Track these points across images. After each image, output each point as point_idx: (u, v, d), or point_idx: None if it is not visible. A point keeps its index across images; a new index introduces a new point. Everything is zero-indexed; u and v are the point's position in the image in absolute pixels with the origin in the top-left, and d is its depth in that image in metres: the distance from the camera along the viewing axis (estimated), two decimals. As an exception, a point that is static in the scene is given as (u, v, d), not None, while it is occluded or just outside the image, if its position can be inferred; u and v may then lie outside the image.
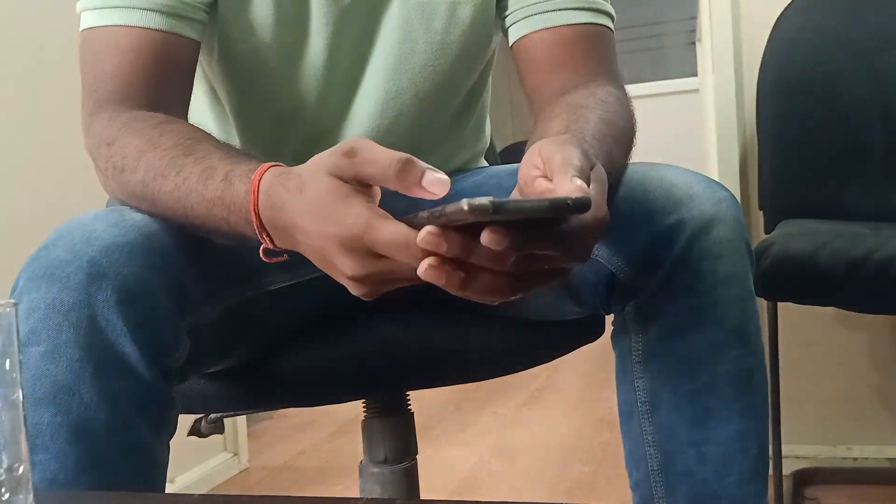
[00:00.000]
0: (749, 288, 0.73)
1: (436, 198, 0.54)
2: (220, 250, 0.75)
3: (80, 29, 0.81)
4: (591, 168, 0.57)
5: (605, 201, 0.56)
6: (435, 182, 0.54)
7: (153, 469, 0.68)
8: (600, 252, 0.75)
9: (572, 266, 0.56)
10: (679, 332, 0.73)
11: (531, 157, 0.59)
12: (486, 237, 0.48)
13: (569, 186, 0.53)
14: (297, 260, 0.63)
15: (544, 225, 0.51)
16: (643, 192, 0.73)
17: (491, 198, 0.46)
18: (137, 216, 0.71)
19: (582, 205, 0.48)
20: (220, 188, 0.65)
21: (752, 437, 0.73)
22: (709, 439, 0.72)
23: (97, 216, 0.69)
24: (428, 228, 0.50)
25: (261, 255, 0.64)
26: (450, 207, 0.47)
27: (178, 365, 0.69)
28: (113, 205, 0.78)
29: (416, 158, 0.55)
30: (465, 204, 0.45)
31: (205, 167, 0.67)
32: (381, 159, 0.55)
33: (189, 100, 0.84)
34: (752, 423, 0.73)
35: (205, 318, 0.73)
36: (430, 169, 0.55)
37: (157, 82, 0.79)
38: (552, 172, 0.56)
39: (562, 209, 0.49)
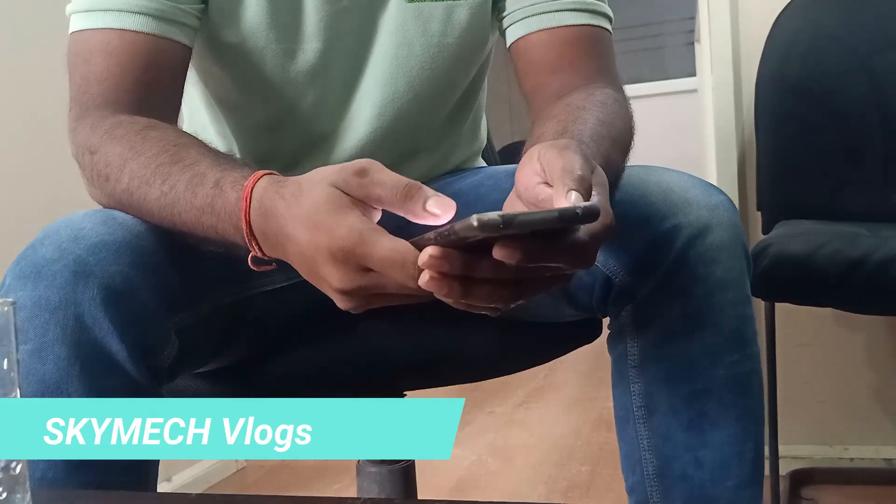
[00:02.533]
0: (746, 292, 0.73)
1: (440, 221, 0.55)
2: (211, 250, 0.75)
3: (70, 31, 0.80)
4: (592, 172, 0.57)
5: (609, 205, 0.56)
6: (439, 204, 0.55)
7: (143, 467, 0.68)
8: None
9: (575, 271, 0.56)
10: (675, 336, 0.72)
11: (530, 162, 0.59)
12: (498, 252, 0.48)
13: (565, 203, 0.53)
14: (287, 265, 0.63)
15: (553, 235, 0.51)
16: (640, 196, 0.73)
17: (500, 213, 0.46)
18: (127, 216, 0.70)
19: (591, 213, 0.48)
20: (210, 195, 0.65)
21: (748, 442, 0.73)
22: (705, 444, 0.72)
23: (86, 215, 0.69)
24: (429, 251, 0.50)
25: (249, 262, 0.64)
26: (459, 224, 0.47)
27: (167, 364, 0.69)
28: None
29: (422, 184, 0.56)
30: (474, 220, 0.45)
31: (193, 174, 0.67)
32: (391, 182, 0.56)
33: (179, 105, 0.83)
34: (748, 428, 0.73)
35: (194, 318, 0.73)
36: (435, 194, 0.55)
37: (147, 86, 0.78)
38: (552, 181, 0.56)
39: (572, 219, 0.49)
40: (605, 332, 0.83)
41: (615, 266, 0.74)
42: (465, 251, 0.51)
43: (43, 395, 0.62)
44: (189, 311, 0.73)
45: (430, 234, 0.51)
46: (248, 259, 0.64)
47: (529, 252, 0.49)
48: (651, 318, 0.74)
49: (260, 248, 0.63)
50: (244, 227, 0.62)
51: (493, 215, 0.45)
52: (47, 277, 0.63)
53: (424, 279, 0.51)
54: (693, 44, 2.94)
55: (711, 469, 0.72)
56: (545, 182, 0.57)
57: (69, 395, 0.62)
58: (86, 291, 0.63)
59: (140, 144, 0.71)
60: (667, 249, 0.71)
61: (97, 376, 0.63)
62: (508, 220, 0.46)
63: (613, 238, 0.56)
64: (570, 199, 0.53)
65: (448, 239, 0.49)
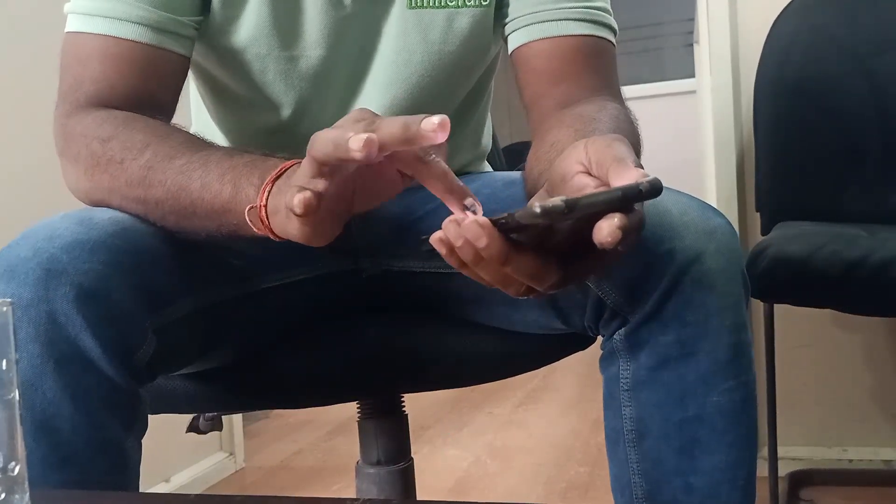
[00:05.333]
0: (742, 319, 0.72)
1: (437, 141, 0.53)
2: (197, 249, 0.75)
3: (67, 30, 0.80)
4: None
5: (640, 210, 0.54)
6: (431, 125, 0.53)
7: (123, 465, 0.67)
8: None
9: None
10: (669, 362, 0.71)
11: (576, 152, 0.57)
12: (607, 231, 0.47)
13: (633, 174, 0.51)
14: (283, 259, 0.62)
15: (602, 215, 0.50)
16: None
17: (563, 197, 0.45)
18: (106, 214, 0.70)
19: (655, 188, 0.47)
20: (252, 156, 0.66)
21: (739, 469, 0.72)
22: (696, 470, 0.71)
23: (64, 216, 0.69)
24: (476, 218, 0.50)
25: (246, 213, 0.64)
26: (519, 212, 0.46)
27: (144, 362, 0.69)
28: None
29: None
30: (537, 207, 0.44)
31: (231, 149, 0.69)
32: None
33: (173, 112, 0.83)
34: (740, 455, 0.72)
35: (174, 317, 0.72)
36: (426, 117, 0.54)
37: (142, 94, 0.78)
38: (606, 166, 0.54)
39: (634, 197, 0.47)
40: (599, 338, 0.83)
41: (608, 288, 0.72)
42: (507, 241, 0.50)
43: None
44: (168, 311, 0.72)
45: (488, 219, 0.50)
46: (246, 210, 0.64)
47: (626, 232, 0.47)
48: (644, 343, 0.72)
49: (267, 201, 0.62)
50: (274, 173, 0.62)
51: (555, 201, 0.44)
52: (20, 275, 0.63)
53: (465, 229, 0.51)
54: (692, 45, 2.94)
55: (702, 495, 0.71)
56: (587, 171, 0.56)
57: (44, 393, 0.62)
58: (58, 289, 0.63)
59: (166, 134, 0.72)
60: (661, 274, 0.70)
61: (71, 374, 0.63)
62: (572, 205, 0.44)
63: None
64: (639, 171, 0.51)
65: (504, 227, 0.48)
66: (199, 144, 0.71)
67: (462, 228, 0.51)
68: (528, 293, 0.56)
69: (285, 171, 0.63)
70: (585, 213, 0.46)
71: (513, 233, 0.50)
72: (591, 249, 0.50)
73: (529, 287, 0.55)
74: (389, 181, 0.61)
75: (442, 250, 0.54)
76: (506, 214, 0.48)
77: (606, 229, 0.47)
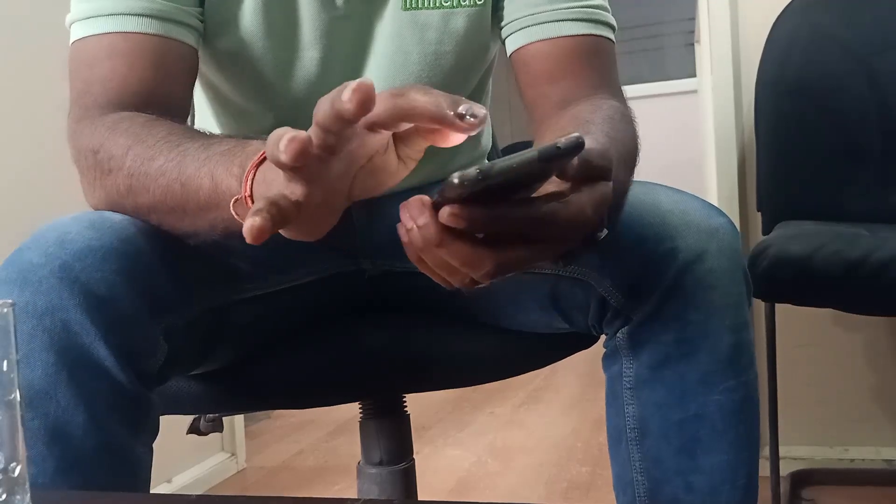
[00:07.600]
0: (744, 318, 0.72)
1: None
2: (200, 253, 0.74)
3: (72, 41, 0.79)
4: (606, 172, 0.54)
5: (593, 209, 0.53)
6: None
7: (134, 470, 0.67)
8: (591, 275, 0.74)
9: (549, 261, 0.55)
10: (670, 361, 0.72)
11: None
12: (448, 216, 0.48)
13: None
14: (286, 261, 0.62)
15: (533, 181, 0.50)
16: (637, 216, 0.72)
17: (477, 167, 0.45)
18: (116, 217, 0.70)
19: (576, 145, 0.46)
20: (229, 143, 0.63)
21: (740, 468, 0.72)
22: (696, 469, 0.72)
23: (74, 218, 0.68)
24: (419, 196, 0.50)
25: (231, 205, 0.61)
26: (445, 188, 0.47)
27: (156, 368, 0.69)
28: None
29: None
30: (455, 178, 0.45)
31: (209, 138, 0.66)
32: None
33: (188, 108, 0.82)
34: (741, 455, 0.72)
35: (182, 320, 0.72)
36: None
37: (153, 86, 0.77)
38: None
39: (552, 155, 0.46)
40: (602, 337, 0.83)
41: (610, 287, 0.73)
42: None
43: (31, 402, 0.61)
44: (177, 314, 0.72)
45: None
46: (231, 203, 0.60)
47: (495, 214, 0.48)
48: (646, 342, 0.73)
49: (251, 191, 0.59)
50: (255, 159, 0.58)
51: (472, 170, 0.45)
52: (33, 283, 0.63)
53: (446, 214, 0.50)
54: (693, 44, 2.94)
55: (702, 494, 0.71)
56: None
57: (58, 401, 0.62)
58: (71, 298, 0.63)
59: (146, 133, 0.70)
60: (663, 273, 0.70)
61: (85, 381, 0.63)
62: (486, 172, 0.45)
63: (581, 240, 0.54)
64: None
65: (437, 204, 0.49)
66: (177, 138, 0.68)
67: (407, 204, 0.50)
68: (473, 284, 0.54)
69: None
70: (503, 178, 0.46)
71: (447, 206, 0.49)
72: (524, 237, 0.51)
73: (473, 279, 0.53)
74: (389, 168, 0.59)
75: (404, 238, 0.52)
76: (437, 194, 0.49)
77: (447, 212, 0.48)
